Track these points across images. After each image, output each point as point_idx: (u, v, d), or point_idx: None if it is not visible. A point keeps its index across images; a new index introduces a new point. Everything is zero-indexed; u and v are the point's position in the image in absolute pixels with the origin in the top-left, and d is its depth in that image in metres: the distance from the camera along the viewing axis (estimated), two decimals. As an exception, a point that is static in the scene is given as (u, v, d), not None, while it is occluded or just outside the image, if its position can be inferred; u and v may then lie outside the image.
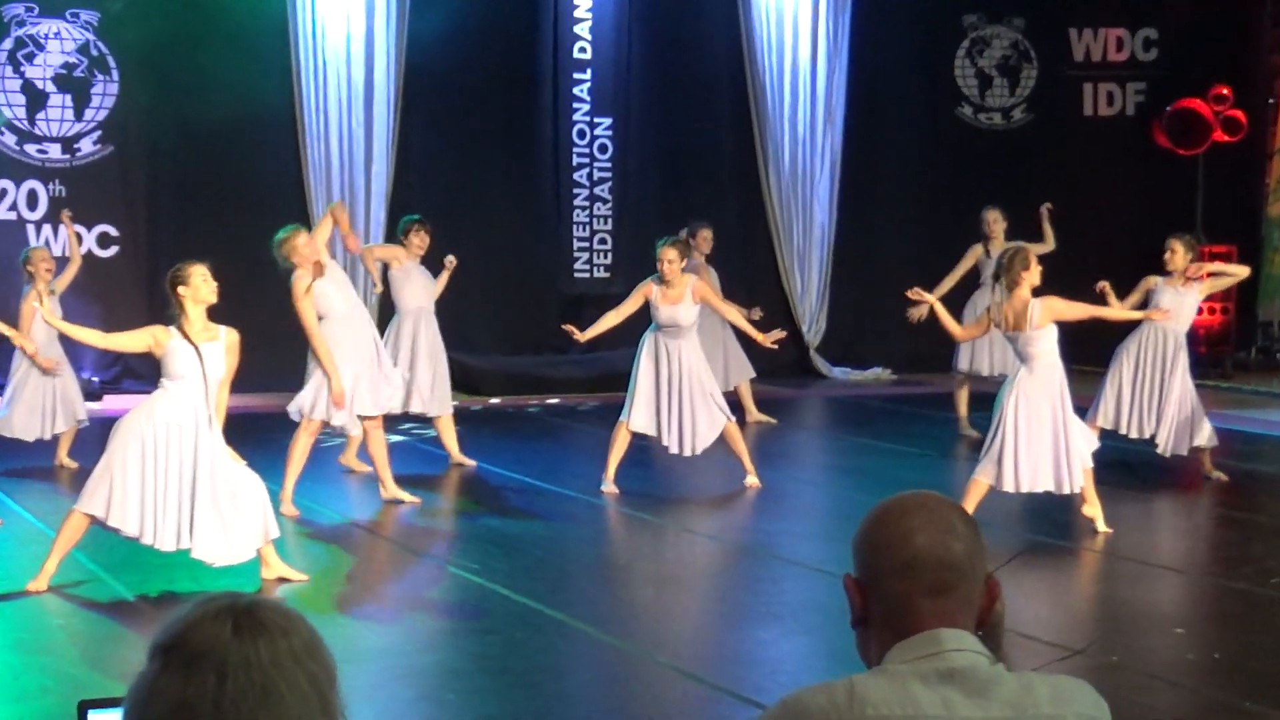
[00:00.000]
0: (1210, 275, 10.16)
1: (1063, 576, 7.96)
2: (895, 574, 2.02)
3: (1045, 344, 7.92)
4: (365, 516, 8.89)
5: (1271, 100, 16.76)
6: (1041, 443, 7.95)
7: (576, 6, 14.56)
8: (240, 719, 1.65)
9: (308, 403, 8.60)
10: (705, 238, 11.93)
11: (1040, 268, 7.98)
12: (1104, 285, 9.57)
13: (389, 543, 8.54)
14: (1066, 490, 8.01)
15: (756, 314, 11.31)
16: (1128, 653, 6.25)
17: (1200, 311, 11.83)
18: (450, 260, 9.89)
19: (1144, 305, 9.76)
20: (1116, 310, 9.20)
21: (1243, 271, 10.36)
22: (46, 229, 12.54)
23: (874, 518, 2.08)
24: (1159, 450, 9.61)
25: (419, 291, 9.80)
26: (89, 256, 12.09)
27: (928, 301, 8.71)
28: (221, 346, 6.98)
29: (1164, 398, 9.68)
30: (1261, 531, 8.81)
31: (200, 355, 6.85)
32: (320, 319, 8.50)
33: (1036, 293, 7.91)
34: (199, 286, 6.81)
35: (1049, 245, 10.67)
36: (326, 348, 8.50)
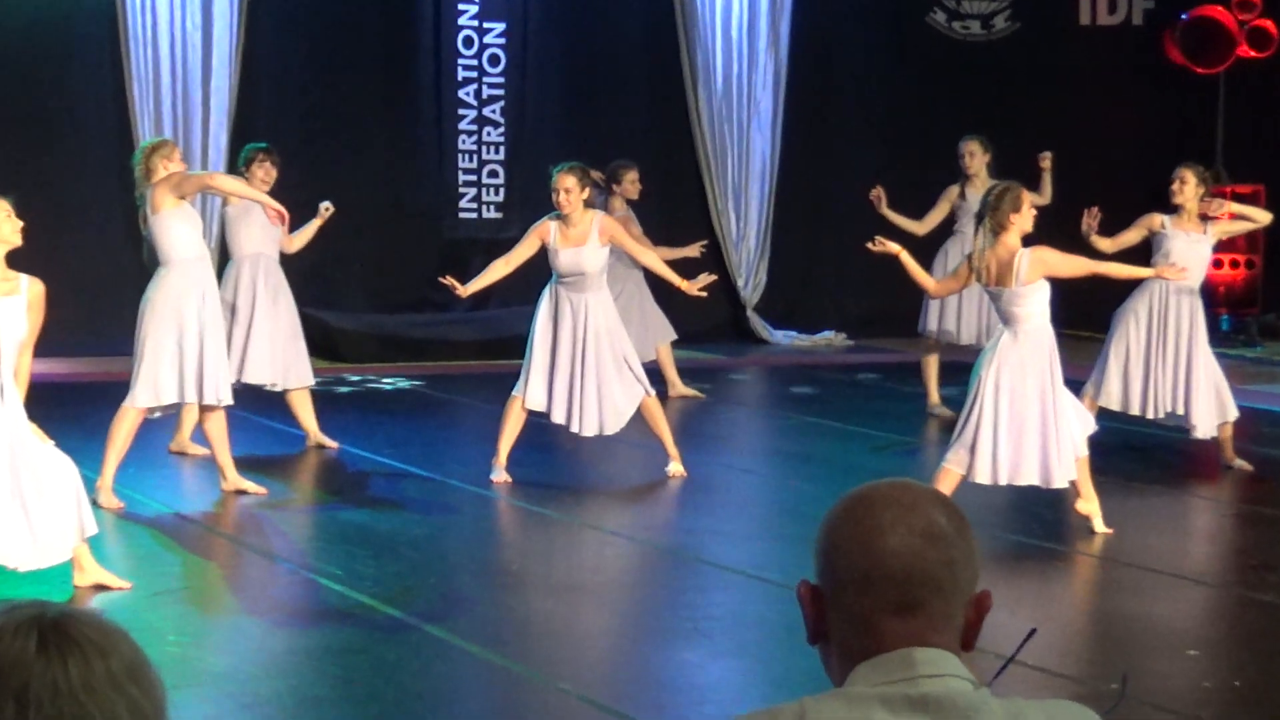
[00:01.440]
0: (1231, 216, 10.29)
1: (1054, 586, 8.04)
2: (857, 585, 2.04)
3: (1034, 303, 8.02)
4: (201, 509, 8.98)
5: None
6: (1026, 426, 8.04)
7: None
8: None
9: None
10: (631, 180, 12.03)
11: (1034, 212, 8.10)
12: (1093, 215, 9.76)
13: (230, 542, 8.64)
14: (1056, 484, 8.13)
15: (696, 250, 11.70)
16: (1131, 679, 6.27)
17: (1219, 265, 11.62)
18: (326, 207, 10.14)
19: (1146, 248, 9.83)
20: (1121, 267, 9.25)
21: (1264, 217, 10.51)
22: None
23: (836, 512, 2.09)
24: (1195, 434, 9.79)
25: (258, 234, 9.92)
26: None
27: (892, 252, 8.75)
28: (23, 301, 7.04)
29: (1190, 369, 9.80)
30: None
31: None
32: (163, 263, 8.74)
33: (1027, 241, 7.94)
34: (0, 223, 6.91)
35: (1045, 198, 10.92)
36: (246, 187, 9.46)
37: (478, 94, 15.19)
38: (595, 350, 9.49)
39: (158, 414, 9.33)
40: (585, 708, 5.72)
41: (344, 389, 12.48)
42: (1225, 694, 6.35)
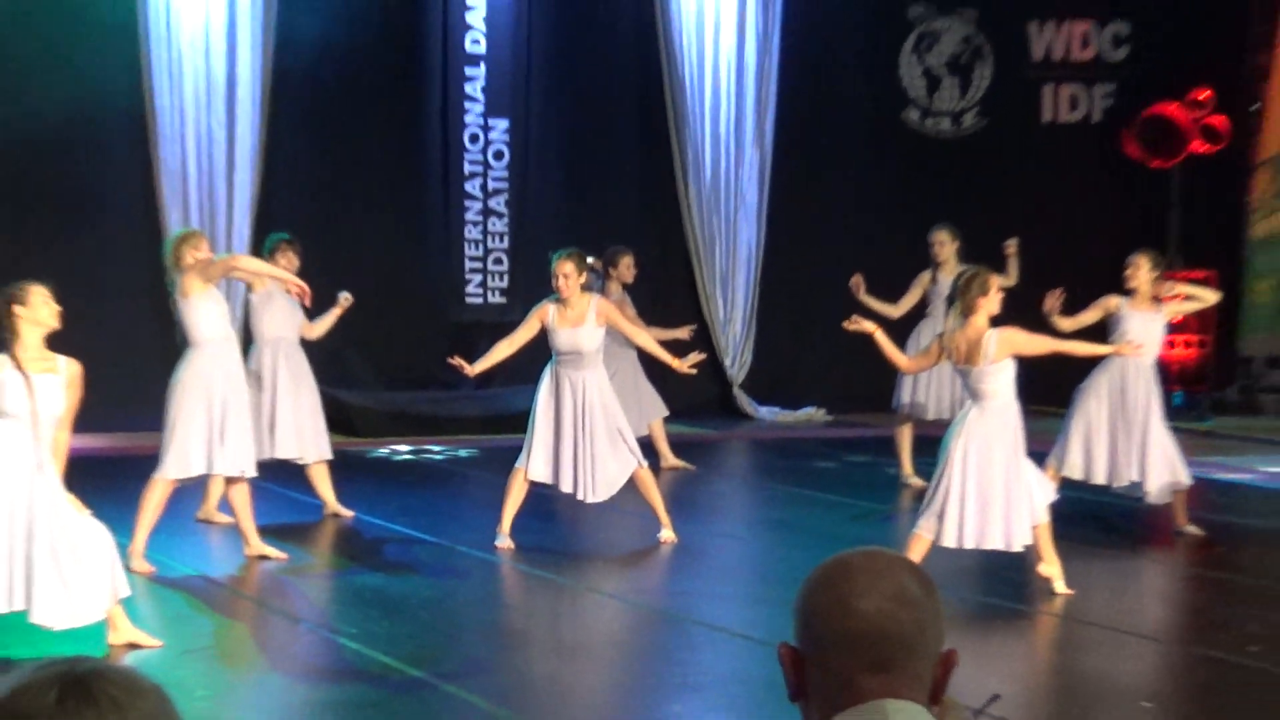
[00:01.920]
0: (1183, 297, 10.51)
1: (1017, 643, 8.15)
2: (834, 646, 2.11)
3: (1001, 380, 8.07)
4: (227, 573, 9.01)
5: (1256, 106, 17.06)
6: (991, 494, 8.11)
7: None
8: None
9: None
10: (627, 264, 12.14)
11: (1001, 295, 8.17)
12: (1056, 296, 9.84)
13: (254, 603, 8.68)
14: (1017, 547, 8.22)
15: (686, 333, 11.73)
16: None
17: (1173, 345, 11.85)
18: (345, 297, 10.25)
19: (1103, 327, 9.97)
20: (1082, 345, 9.34)
21: (1212, 297, 10.69)
22: None
23: (814, 579, 2.15)
24: (1148, 499, 9.89)
25: (281, 319, 10.09)
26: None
27: (867, 330, 8.79)
28: (61, 380, 7.14)
29: (1145, 440, 9.95)
30: (1240, 593, 9.01)
31: (32, 388, 7.01)
32: (191, 344, 8.83)
33: (995, 322, 8.08)
34: (39, 308, 6.94)
35: (1011, 280, 11.03)
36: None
37: (483, 187, 15.24)
38: (590, 423, 9.54)
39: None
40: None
41: (359, 462, 12.32)
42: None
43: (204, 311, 8.99)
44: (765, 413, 15.62)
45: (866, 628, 2.08)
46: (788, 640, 2.12)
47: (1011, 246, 11.65)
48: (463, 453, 13.15)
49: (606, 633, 8.40)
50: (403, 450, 13.27)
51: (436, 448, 13.39)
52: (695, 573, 9.39)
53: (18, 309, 7.11)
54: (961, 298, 8.18)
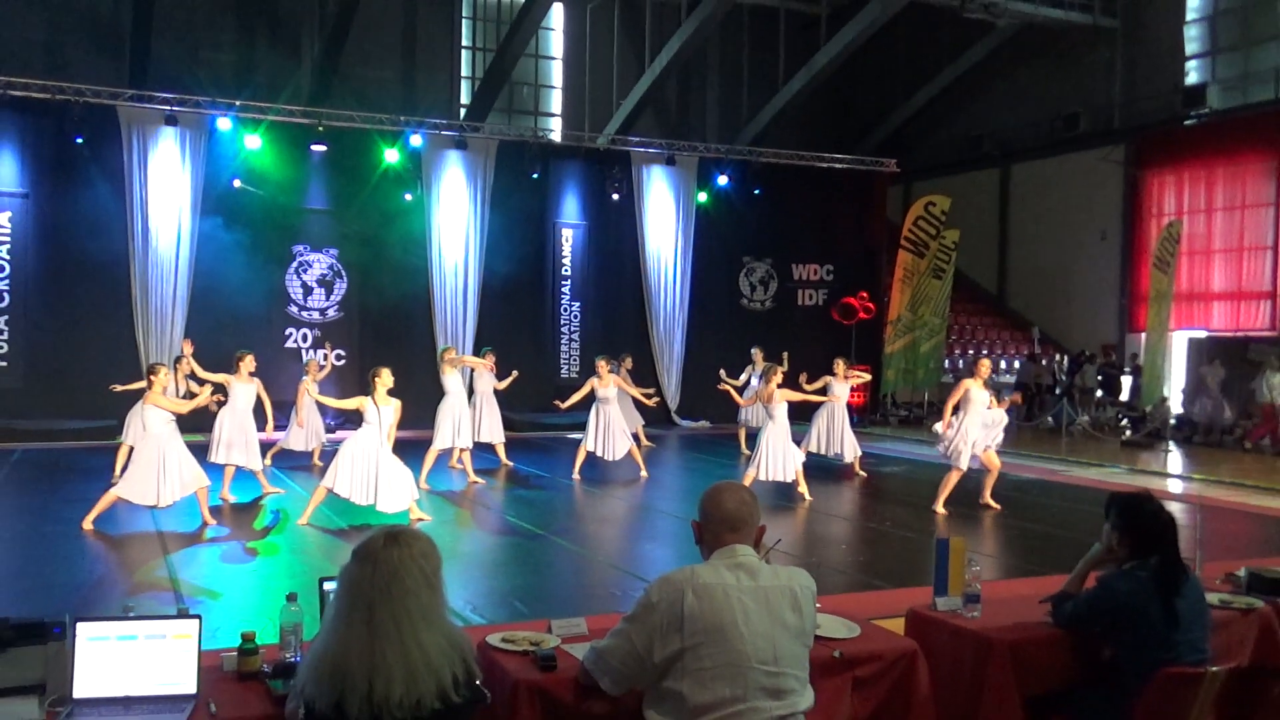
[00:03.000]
0: (852, 376, 14.71)
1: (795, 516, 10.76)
2: (715, 520, 3.53)
3: (779, 409, 11.81)
4: (453, 489, 12.42)
5: (886, 299, 24.02)
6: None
7: (563, 246, 21.97)
8: (382, 588, 2.84)
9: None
10: (627, 364, 17.29)
11: (780, 376, 11.84)
12: (803, 376, 13.59)
13: (470, 505, 11.69)
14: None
15: (652, 398, 15.61)
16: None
17: (854, 394, 17.28)
18: (515, 374, 14.81)
19: (824, 391, 14.60)
20: (808, 395, 13.11)
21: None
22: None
23: (708, 493, 3.57)
24: (842, 460, 13.95)
25: (486, 380, 14.74)
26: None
27: (727, 387, 13.61)
28: (392, 409, 10.43)
29: (843, 436, 14.38)
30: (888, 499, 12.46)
31: (380, 413, 10.39)
32: (448, 393, 13.25)
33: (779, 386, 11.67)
34: (386, 380, 10.47)
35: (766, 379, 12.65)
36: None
37: (569, 328, 21.87)
38: (610, 424, 13.69)
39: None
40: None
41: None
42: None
43: (452, 379, 13.24)
44: (686, 423, 21.75)
45: (730, 512, 3.49)
46: (695, 519, 3.44)
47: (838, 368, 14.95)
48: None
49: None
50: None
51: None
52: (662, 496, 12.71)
53: (376, 380, 10.52)
54: (765, 376, 11.70)
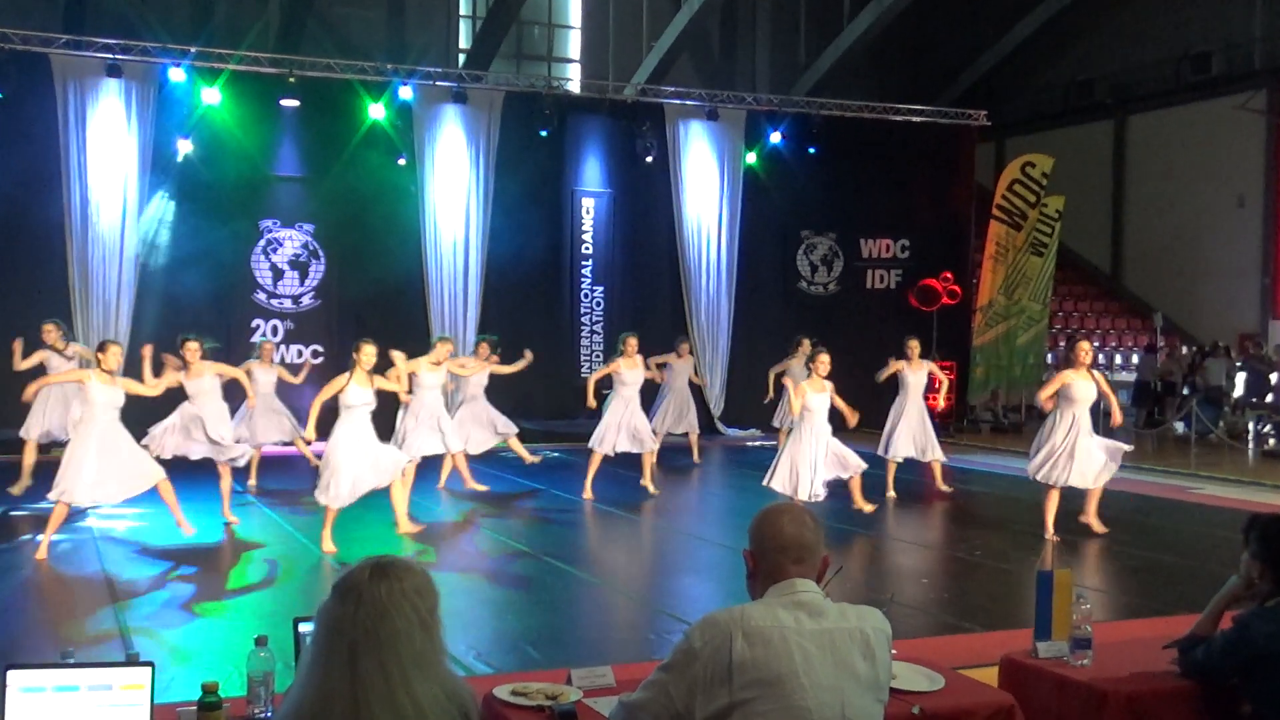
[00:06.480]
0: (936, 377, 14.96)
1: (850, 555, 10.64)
2: (772, 549, 3.44)
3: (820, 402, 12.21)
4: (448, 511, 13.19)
5: (975, 280, 23.86)
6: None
7: (583, 219, 22.28)
8: (367, 630, 2.74)
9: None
10: (684, 347, 17.79)
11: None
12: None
13: (477, 531, 12.07)
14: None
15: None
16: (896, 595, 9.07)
17: (936, 397, 17.48)
18: (528, 354, 15.26)
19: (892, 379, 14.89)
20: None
21: (851, 417, 13.13)
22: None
23: (760, 516, 3.51)
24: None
25: (476, 384, 15.12)
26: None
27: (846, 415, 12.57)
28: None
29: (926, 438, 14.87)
30: (973, 523, 12.61)
31: (363, 394, 11.24)
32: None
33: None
34: (368, 357, 11.09)
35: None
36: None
37: (591, 317, 22.29)
38: (634, 415, 14.34)
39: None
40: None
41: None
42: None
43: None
44: (731, 432, 21.82)
45: (789, 539, 3.42)
46: (747, 548, 3.41)
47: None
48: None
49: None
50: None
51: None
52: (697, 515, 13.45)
53: (356, 355, 11.19)
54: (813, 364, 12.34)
